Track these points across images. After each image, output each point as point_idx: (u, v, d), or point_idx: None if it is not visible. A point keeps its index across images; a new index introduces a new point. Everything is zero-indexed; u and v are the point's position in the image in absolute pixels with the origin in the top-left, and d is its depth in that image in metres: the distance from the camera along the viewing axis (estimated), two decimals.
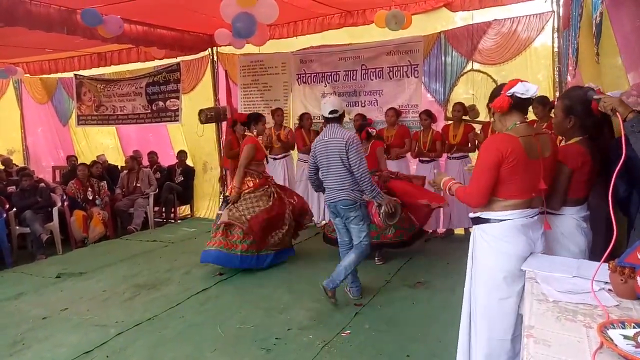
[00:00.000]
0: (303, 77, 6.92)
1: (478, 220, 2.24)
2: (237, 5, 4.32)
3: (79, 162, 7.35)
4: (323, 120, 3.89)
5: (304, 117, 6.41)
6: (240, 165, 4.77)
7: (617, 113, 1.82)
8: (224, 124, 7.48)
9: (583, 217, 2.33)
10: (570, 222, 2.31)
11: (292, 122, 7.02)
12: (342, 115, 3.83)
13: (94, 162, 7.33)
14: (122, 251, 5.81)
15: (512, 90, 2.07)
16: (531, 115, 4.72)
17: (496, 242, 2.15)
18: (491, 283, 2.16)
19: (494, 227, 2.16)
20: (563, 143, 2.40)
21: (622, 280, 1.59)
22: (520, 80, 2.09)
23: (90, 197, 6.57)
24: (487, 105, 2.27)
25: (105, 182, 7.08)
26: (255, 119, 4.90)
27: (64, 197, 6.39)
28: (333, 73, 6.67)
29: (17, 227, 5.92)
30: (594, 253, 2.27)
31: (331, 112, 3.72)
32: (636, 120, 1.75)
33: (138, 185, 7.26)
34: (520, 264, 2.10)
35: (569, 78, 4.87)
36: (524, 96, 2.07)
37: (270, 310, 3.81)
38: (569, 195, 2.29)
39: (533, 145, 2.11)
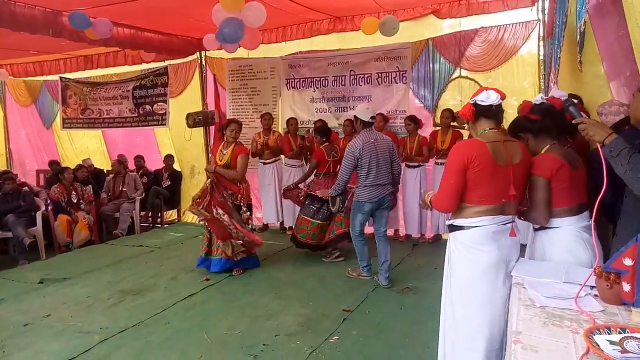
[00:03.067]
0: (292, 82, 6.92)
1: (452, 228, 2.25)
2: (224, 10, 4.28)
3: (63, 166, 7.23)
4: (359, 125, 4.28)
5: (289, 122, 6.40)
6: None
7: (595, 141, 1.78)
8: (212, 128, 7.44)
9: (583, 227, 2.19)
10: (568, 234, 2.18)
11: (280, 126, 7.01)
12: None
13: (80, 166, 7.23)
14: (107, 256, 5.72)
15: (474, 98, 2.15)
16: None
17: (467, 250, 2.16)
18: (465, 292, 2.16)
19: (466, 235, 2.17)
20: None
21: (607, 285, 1.61)
22: (488, 88, 2.16)
23: (75, 201, 6.46)
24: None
25: (90, 186, 6.99)
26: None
27: (48, 201, 6.28)
28: (322, 78, 6.68)
29: None
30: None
31: (372, 118, 4.32)
32: (614, 145, 1.73)
33: (124, 189, 7.18)
34: (494, 271, 2.11)
35: (551, 85, 4.95)
36: (484, 103, 2.14)
37: (257, 317, 3.78)
38: (555, 205, 2.19)
39: (501, 151, 2.13)
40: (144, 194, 7.29)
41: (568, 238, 2.17)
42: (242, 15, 4.25)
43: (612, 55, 2.11)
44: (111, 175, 7.40)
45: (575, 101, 1.97)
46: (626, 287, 1.52)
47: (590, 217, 2.22)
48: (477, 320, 2.12)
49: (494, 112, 2.17)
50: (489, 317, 2.10)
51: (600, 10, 2.09)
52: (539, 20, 5.23)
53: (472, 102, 2.17)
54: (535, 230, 2.32)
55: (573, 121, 1.92)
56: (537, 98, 2.01)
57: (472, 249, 2.15)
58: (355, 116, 4.36)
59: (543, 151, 2.23)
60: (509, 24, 5.47)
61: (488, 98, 2.13)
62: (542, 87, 5.25)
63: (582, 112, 1.94)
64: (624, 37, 1.73)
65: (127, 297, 4.29)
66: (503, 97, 2.18)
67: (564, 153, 2.21)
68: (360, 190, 4.22)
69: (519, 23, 5.41)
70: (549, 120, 2.18)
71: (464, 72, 5.79)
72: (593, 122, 1.85)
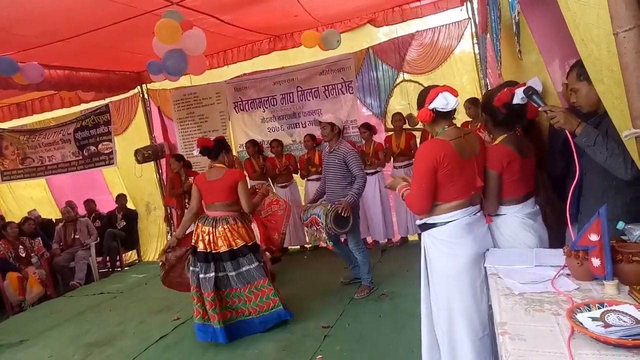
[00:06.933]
0: (240, 104, 6.85)
1: (425, 227, 2.26)
2: (162, 43, 4.15)
3: (5, 222, 6.78)
4: (335, 132, 4.25)
5: (247, 146, 6.36)
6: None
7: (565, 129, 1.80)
8: (163, 161, 7.24)
9: (528, 214, 2.26)
10: (512, 221, 2.25)
11: (235, 149, 6.92)
12: None
13: (26, 219, 6.81)
14: (67, 310, 5.38)
15: (433, 105, 2.12)
16: (465, 117, 4.93)
17: (446, 245, 2.18)
18: (456, 285, 2.16)
19: (441, 231, 2.19)
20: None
21: (578, 263, 1.65)
22: (442, 90, 2.12)
23: (24, 255, 6.05)
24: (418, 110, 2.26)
25: (39, 238, 6.59)
26: (225, 145, 3.95)
27: None
28: (270, 97, 6.66)
29: None
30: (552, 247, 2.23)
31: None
32: (586, 134, 1.74)
33: (77, 236, 6.81)
34: (475, 261, 2.14)
35: (489, 80, 5.15)
36: (444, 110, 2.13)
37: (236, 347, 3.64)
38: (504, 196, 2.25)
39: (464, 146, 2.17)
40: (98, 239, 6.94)
41: (513, 225, 2.24)
42: (182, 45, 4.14)
43: (547, 42, 2.21)
44: (61, 224, 7.01)
45: (539, 89, 2.00)
46: (595, 262, 1.56)
47: (536, 204, 2.32)
48: (480, 307, 2.14)
49: (451, 112, 2.20)
50: (475, 306, 2.14)
51: (530, 2, 2.19)
52: (470, 18, 5.46)
53: (431, 108, 2.13)
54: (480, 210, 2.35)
55: (540, 109, 1.92)
56: (518, 94, 2.01)
57: (450, 243, 2.16)
58: (332, 123, 4.22)
59: (498, 140, 2.28)
60: (442, 25, 5.68)
61: (448, 104, 2.11)
62: (483, 83, 5.46)
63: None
64: (555, 23, 1.81)
65: (94, 350, 4.03)
66: (457, 95, 2.18)
67: (517, 143, 2.25)
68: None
69: (452, 23, 5.62)
70: (513, 119, 2.23)
71: (407, 76, 5.94)
72: (562, 110, 1.85)
